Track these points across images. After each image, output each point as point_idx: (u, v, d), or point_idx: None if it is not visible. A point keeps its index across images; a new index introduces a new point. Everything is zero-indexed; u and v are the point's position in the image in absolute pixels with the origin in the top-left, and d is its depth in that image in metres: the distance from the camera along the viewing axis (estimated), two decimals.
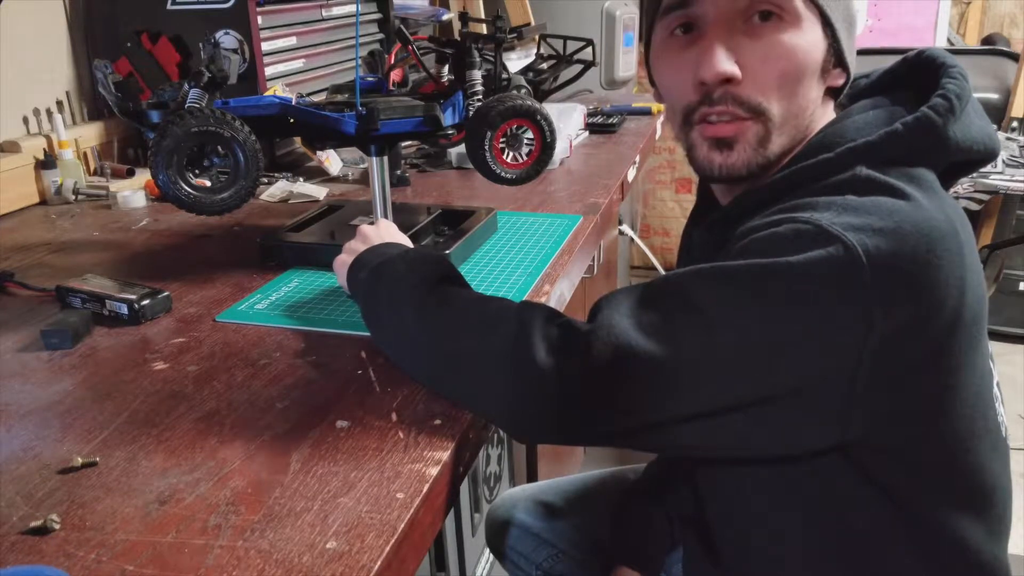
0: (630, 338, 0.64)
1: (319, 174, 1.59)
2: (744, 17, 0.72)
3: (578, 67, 1.30)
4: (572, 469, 2.09)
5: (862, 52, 0.77)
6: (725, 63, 0.72)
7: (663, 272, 3.26)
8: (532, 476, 1.80)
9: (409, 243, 0.96)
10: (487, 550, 1.62)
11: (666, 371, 0.63)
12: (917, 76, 0.77)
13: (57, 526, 0.60)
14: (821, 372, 0.63)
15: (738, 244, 0.67)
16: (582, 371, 0.65)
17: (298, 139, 1.59)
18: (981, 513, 0.74)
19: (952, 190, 0.77)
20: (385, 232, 0.95)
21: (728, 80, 0.72)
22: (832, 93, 0.78)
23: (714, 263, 0.66)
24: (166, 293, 0.98)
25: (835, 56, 0.75)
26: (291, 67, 1.58)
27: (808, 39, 0.72)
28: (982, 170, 1.56)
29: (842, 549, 0.73)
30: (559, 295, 1.06)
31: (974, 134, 0.72)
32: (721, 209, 0.80)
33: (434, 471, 0.66)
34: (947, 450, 0.71)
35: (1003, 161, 2.38)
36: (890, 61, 0.81)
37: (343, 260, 0.93)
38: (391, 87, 1.16)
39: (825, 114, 0.77)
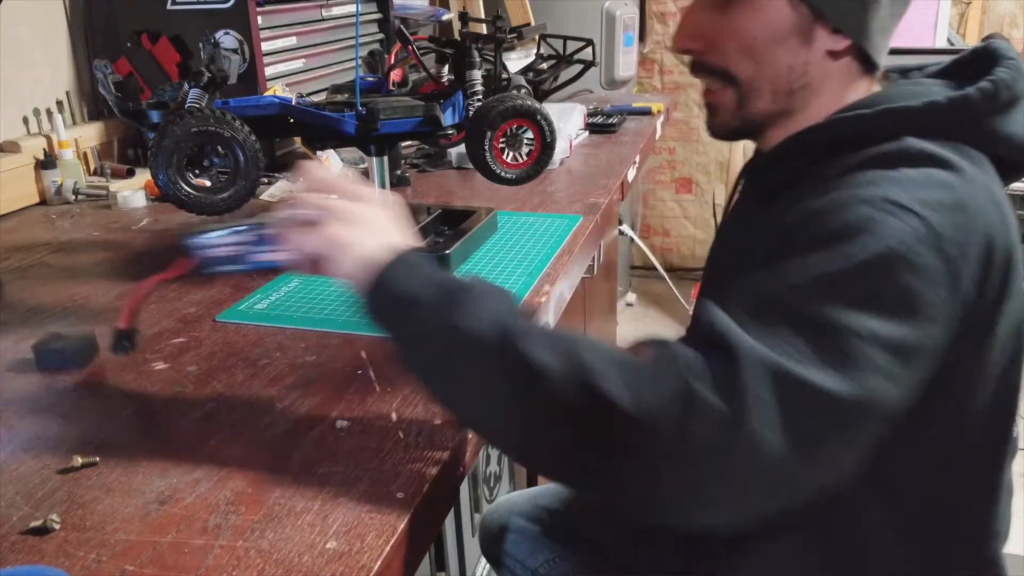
0: (786, 367, 0.58)
1: None
2: None
3: (578, 67, 1.30)
4: None
5: None
6: (683, 38, 0.79)
7: (663, 272, 3.27)
8: (532, 476, 1.80)
9: (399, 236, 0.70)
10: None
11: (838, 397, 0.59)
12: (980, 66, 0.78)
13: (57, 526, 0.60)
14: (935, 343, 0.63)
15: (806, 226, 0.66)
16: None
17: (298, 139, 1.59)
18: (984, 508, 0.75)
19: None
20: (371, 220, 0.69)
21: (693, 50, 0.78)
22: (863, 61, 0.78)
23: (815, 274, 0.62)
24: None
25: (820, 22, 0.75)
26: (291, 67, 1.58)
27: (765, 13, 0.75)
28: None
29: (838, 543, 0.74)
30: (559, 295, 1.06)
31: (1020, 131, 0.73)
32: (761, 157, 0.84)
33: (434, 471, 0.66)
34: (959, 451, 0.72)
35: None
36: (889, 61, 0.82)
37: (324, 242, 0.67)
38: (391, 87, 1.16)
39: (841, 77, 0.78)
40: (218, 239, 0.74)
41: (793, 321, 0.60)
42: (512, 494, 1.23)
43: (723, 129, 0.82)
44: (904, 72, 0.84)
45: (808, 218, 0.67)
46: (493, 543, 1.18)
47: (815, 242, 0.64)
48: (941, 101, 0.71)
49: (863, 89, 0.79)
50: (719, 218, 3.86)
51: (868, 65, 0.78)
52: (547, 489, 1.20)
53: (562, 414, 0.58)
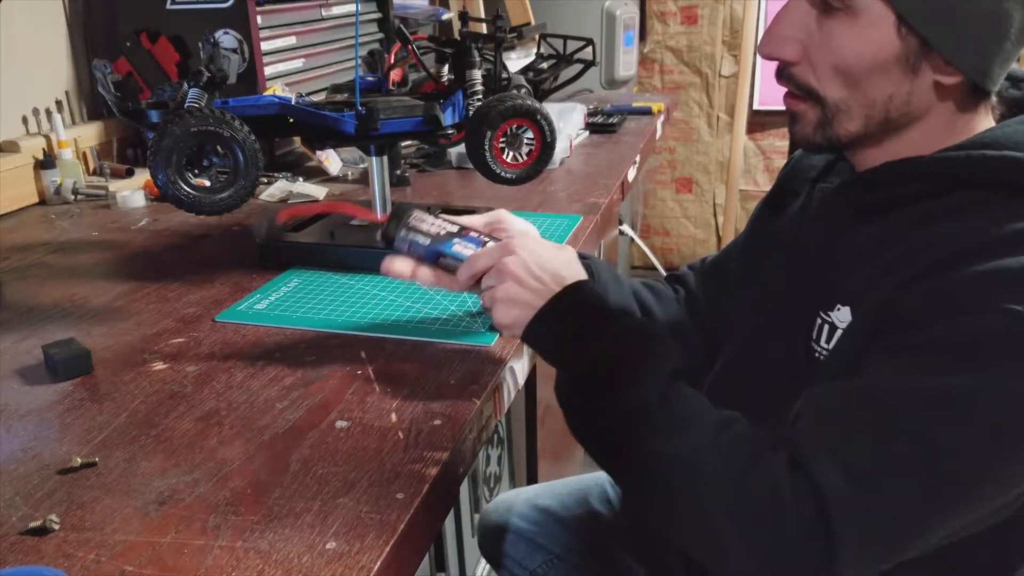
0: (882, 516, 0.60)
1: (319, 174, 1.59)
2: None
3: (578, 67, 1.30)
4: (572, 470, 2.08)
5: None
6: (774, 44, 0.71)
7: (664, 273, 3.26)
8: (532, 477, 1.79)
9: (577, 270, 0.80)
10: None
11: (936, 529, 0.62)
12: None
13: (56, 526, 0.60)
14: None
15: (935, 314, 0.62)
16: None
17: (298, 139, 1.59)
18: None
19: None
20: (546, 259, 0.77)
21: (782, 59, 0.72)
22: (976, 88, 0.70)
23: (935, 387, 0.60)
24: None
25: (931, 54, 0.67)
26: (291, 67, 1.58)
27: (867, 36, 0.67)
28: None
29: None
30: None
31: None
32: (858, 176, 0.76)
33: (434, 471, 0.65)
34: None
35: None
36: None
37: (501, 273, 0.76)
38: (391, 87, 1.16)
39: (950, 106, 0.71)
40: (429, 223, 0.81)
41: (900, 439, 0.60)
42: (510, 493, 1.22)
43: (806, 142, 0.75)
44: (1015, 81, 0.75)
45: (940, 301, 0.62)
46: (491, 543, 1.18)
47: (948, 349, 0.61)
48: None
49: (975, 116, 0.72)
50: (720, 217, 3.80)
51: (981, 92, 0.70)
52: (545, 489, 1.20)
53: (658, 488, 0.65)
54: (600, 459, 0.72)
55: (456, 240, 0.81)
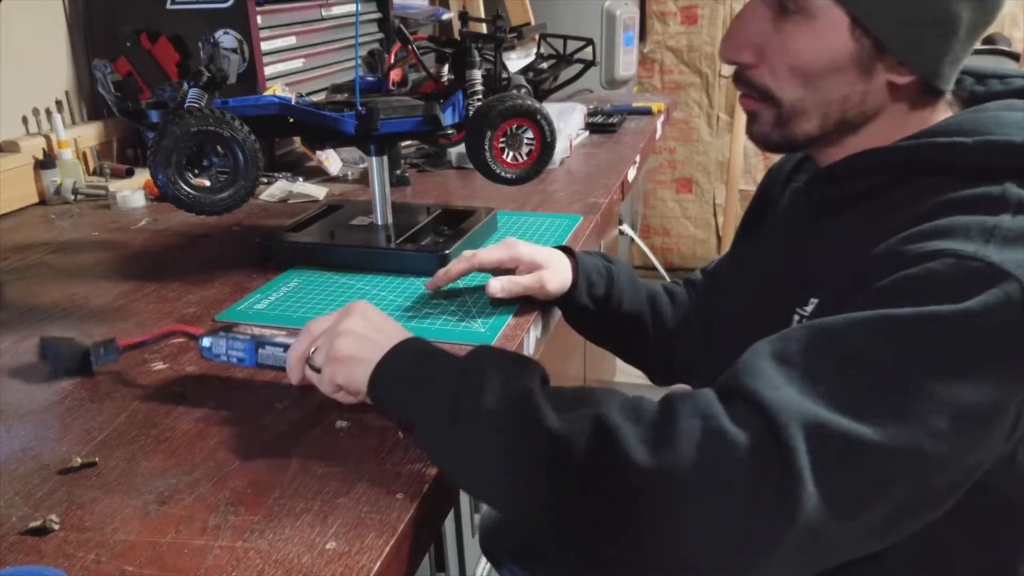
0: (824, 417, 0.55)
1: (319, 174, 1.59)
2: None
3: (578, 67, 1.30)
4: None
5: None
6: (732, 49, 0.74)
7: (664, 273, 3.26)
8: None
9: (401, 331, 0.72)
10: None
11: (882, 452, 0.55)
12: None
13: (56, 526, 0.60)
14: (1006, 412, 0.59)
15: (886, 273, 0.62)
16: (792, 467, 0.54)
17: (298, 139, 1.59)
18: None
19: None
20: (373, 322, 0.72)
21: (742, 63, 0.73)
22: (929, 88, 0.72)
23: (878, 312, 0.59)
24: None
25: (884, 55, 0.70)
26: (291, 67, 1.58)
27: (823, 38, 0.69)
28: None
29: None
30: None
31: None
32: (821, 171, 0.78)
33: (434, 471, 0.65)
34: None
35: None
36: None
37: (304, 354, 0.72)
38: (391, 87, 1.16)
39: (904, 105, 0.73)
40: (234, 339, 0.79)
41: (849, 366, 0.58)
42: None
43: (763, 141, 0.77)
44: (980, 78, 0.77)
45: (891, 261, 0.63)
46: (493, 542, 1.18)
47: (895, 291, 0.60)
48: None
49: (932, 114, 0.74)
50: (720, 217, 3.80)
51: (935, 91, 0.72)
52: None
53: (586, 484, 0.56)
54: (493, 474, 0.61)
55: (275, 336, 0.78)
